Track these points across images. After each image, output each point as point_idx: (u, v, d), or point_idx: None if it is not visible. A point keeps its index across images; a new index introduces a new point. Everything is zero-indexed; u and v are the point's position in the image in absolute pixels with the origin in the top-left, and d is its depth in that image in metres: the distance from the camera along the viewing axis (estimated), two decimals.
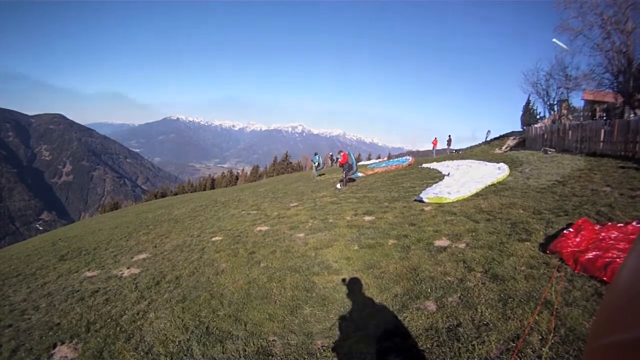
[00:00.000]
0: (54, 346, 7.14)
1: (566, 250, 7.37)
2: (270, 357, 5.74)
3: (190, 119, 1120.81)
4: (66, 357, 6.72)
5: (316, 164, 36.80)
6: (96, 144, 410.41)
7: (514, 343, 4.93)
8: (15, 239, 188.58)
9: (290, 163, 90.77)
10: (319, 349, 5.72)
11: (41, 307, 9.63)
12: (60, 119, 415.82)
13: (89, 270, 12.78)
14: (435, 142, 48.00)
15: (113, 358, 6.39)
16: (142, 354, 6.39)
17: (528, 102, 48.25)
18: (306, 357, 5.61)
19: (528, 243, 8.70)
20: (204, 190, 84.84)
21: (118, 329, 7.43)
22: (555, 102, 41.77)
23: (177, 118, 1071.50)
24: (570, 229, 8.48)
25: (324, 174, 37.84)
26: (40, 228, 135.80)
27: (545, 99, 43.04)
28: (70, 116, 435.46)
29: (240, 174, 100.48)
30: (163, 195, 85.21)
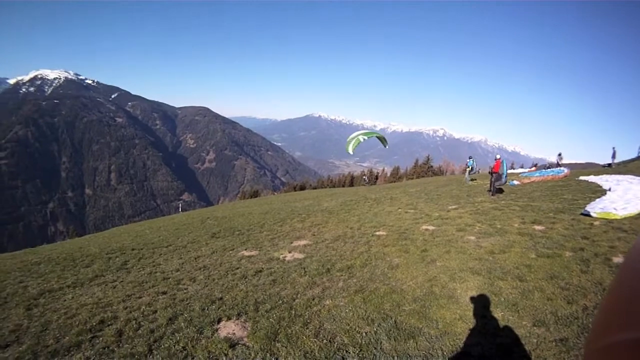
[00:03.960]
0: (219, 321, 7.28)
1: None
2: (469, 357, 5.64)
3: (332, 117, 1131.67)
4: (234, 333, 6.76)
5: (469, 168, 35.91)
6: (239, 135, 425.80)
7: None
8: (155, 214, 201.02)
9: (432, 167, 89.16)
10: (517, 359, 5.55)
11: (198, 279, 10.23)
12: (205, 111, 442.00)
13: (245, 249, 13.51)
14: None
15: (291, 342, 6.33)
16: (324, 341, 6.32)
17: None
18: (502, 359, 5.50)
19: None
20: (343, 186, 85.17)
21: (292, 312, 7.49)
22: None
23: (319, 115, 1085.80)
24: None
25: (475, 179, 36.86)
26: (181, 207, 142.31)
27: None
28: (215, 109, 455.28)
29: (380, 173, 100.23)
30: (302, 188, 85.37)
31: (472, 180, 35.06)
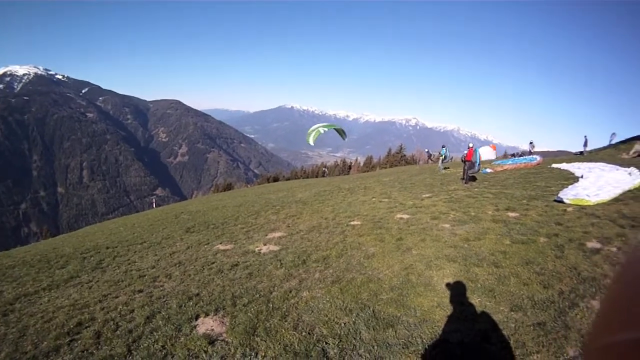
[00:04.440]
0: (197, 317, 7.24)
1: None
2: (449, 344, 5.66)
3: (305, 108, 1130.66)
4: (212, 329, 6.73)
5: (443, 156, 36.05)
6: (212, 128, 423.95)
7: None
8: (129, 211, 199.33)
9: (404, 156, 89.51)
10: (496, 344, 5.59)
11: (174, 275, 10.16)
12: (177, 104, 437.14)
13: (221, 243, 13.44)
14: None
15: (270, 336, 6.32)
16: (303, 334, 6.33)
17: None
18: (482, 345, 5.56)
19: None
20: (316, 177, 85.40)
21: (270, 305, 7.49)
22: None
23: (292, 106, 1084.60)
24: None
25: (448, 168, 37.24)
26: (154, 202, 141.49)
27: None
28: (187, 102, 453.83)
29: (353, 163, 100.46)
30: (275, 180, 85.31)
31: (445, 169, 35.27)
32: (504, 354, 5.37)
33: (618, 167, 22.35)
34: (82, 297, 9.09)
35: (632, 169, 19.83)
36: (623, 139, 47.05)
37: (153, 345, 6.23)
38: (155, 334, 6.63)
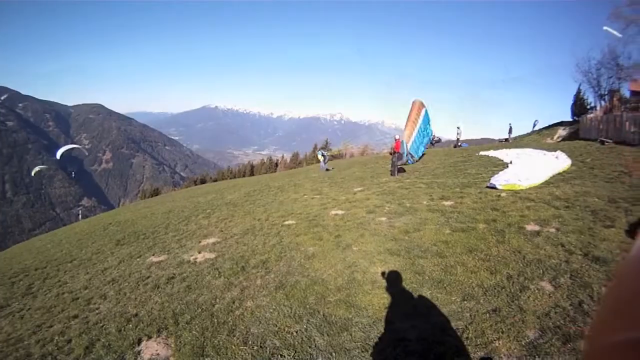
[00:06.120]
0: (139, 341, 6.74)
1: None
2: (408, 342, 5.48)
3: (229, 107, 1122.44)
4: (158, 354, 6.31)
5: (323, 157, 38.01)
6: (135, 132, 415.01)
7: None
8: (56, 225, 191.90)
9: (331, 150, 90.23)
10: (455, 336, 5.51)
11: (109, 295, 9.54)
12: (99, 108, 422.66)
13: (153, 255, 12.89)
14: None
15: (220, 354, 6.00)
16: (255, 348, 6.03)
17: (579, 92, 46.51)
18: (441, 338, 5.45)
19: (614, 229, 8.69)
20: (244, 176, 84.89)
21: (215, 320, 7.10)
22: (606, 93, 40.36)
23: (216, 106, 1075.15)
24: None
25: (334, 167, 38.51)
26: (81, 214, 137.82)
27: (596, 89, 41.76)
28: (109, 106, 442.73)
29: (279, 160, 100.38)
30: (202, 182, 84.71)
31: (327, 170, 36.05)
32: (464, 345, 5.26)
33: (545, 151, 23.02)
34: (15, 330, 8.36)
35: (559, 153, 20.46)
36: (545, 125, 48.78)
37: None
38: None
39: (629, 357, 0.63)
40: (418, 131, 30.42)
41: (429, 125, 33.00)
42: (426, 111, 31.32)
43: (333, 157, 78.18)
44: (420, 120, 30.15)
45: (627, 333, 0.64)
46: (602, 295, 5.44)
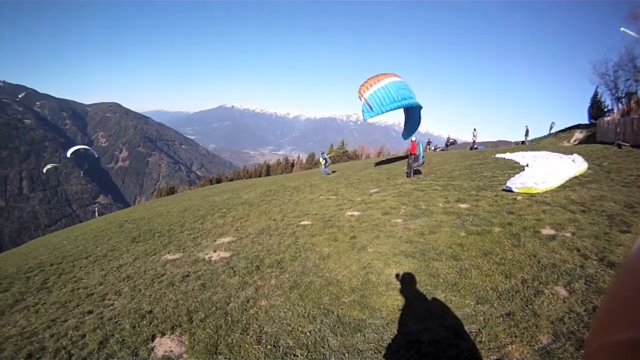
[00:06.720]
0: (153, 338, 6.79)
1: None
2: (421, 344, 5.45)
3: (245, 107, 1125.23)
4: (171, 350, 6.33)
5: (324, 161, 37.80)
6: (152, 130, 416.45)
7: None
8: (72, 221, 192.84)
9: (347, 151, 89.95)
10: (469, 339, 5.46)
11: (124, 292, 9.58)
12: (116, 107, 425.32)
13: (168, 253, 12.95)
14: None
15: (233, 352, 6.00)
16: (268, 347, 6.04)
17: (596, 94, 45.97)
18: (454, 341, 5.41)
19: (630, 234, 8.55)
20: (259, 176, 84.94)
21: (229, 318, 7.12)
22: (624, 95, 39.91)
23: (232, 106, 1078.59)
24: None
25: (335, 171, 38.53)
26: (97, 211, 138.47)
27: (614, 92, 41.34)
28: (126, 104, 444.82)
29: (295, 161, 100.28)
30: (218, 181, 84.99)
31: (327, 174, 35.85)
32: (478, 349, 5.24)
33: (561, 154, 22.85)
34: (29, 324, 8.39)
35: (575, 156, 20.27)
36: (562, 128, 48.32)
37: None
38: None
39: (629, 357, 0.65)
40: (385, 85, 27.20)
41: (410, 93, 28.68)
42: (400, 81, 28.06)
43: (350, 158, 78.02)
44: (389, 79, 27.17)
45: (627, 333, 0.66)
46: (603, 295, 5.42)
